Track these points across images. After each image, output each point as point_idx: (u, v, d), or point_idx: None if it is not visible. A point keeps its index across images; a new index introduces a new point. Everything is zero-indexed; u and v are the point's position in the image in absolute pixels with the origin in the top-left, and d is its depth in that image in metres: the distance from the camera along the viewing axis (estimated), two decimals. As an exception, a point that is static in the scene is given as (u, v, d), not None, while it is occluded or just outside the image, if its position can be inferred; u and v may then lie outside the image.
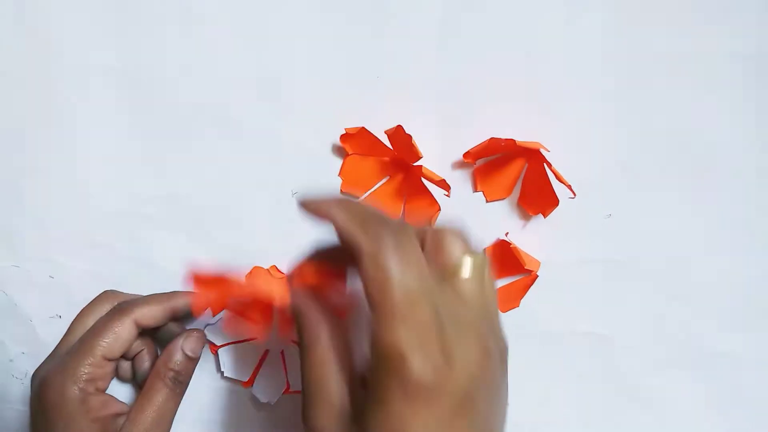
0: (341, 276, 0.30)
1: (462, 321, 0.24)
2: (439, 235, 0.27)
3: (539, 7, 0.38)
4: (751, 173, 0.39)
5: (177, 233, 0.41)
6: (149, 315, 0.36)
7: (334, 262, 0.29)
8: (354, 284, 0.30)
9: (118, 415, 0.35)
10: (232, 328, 0.40)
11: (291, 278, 0.30)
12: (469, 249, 0.26)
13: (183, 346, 0.36)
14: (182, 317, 0.39)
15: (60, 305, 0.42)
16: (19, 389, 0.43)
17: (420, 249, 0.25)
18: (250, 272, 0.41)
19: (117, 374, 0.39)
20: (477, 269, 0.26)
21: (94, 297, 0.39)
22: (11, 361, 0.43)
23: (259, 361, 0.41)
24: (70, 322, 0.38)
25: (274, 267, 0.41)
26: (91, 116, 0.40)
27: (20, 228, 0.41)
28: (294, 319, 0.28)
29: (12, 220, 0.41)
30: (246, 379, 0.41)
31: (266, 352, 0.41)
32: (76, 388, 0.34)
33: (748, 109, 0.38)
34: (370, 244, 0.24)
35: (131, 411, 0.35)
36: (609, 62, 0.38)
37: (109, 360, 0.35)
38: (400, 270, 0.23)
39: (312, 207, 0.27)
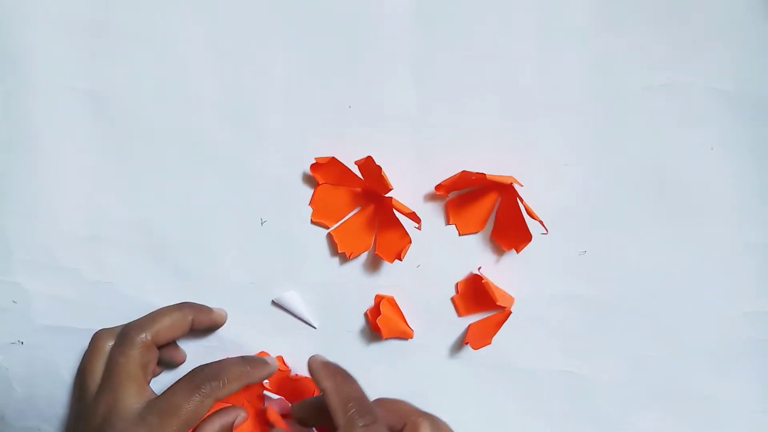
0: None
1: None
2: (418, 422, 0.33)
3: (513, 42, 0.37)
4: (726, 209, 0.38)
5: (144, 259, 0.40)
6: (226, 393, 0.36)
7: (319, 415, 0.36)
8: None
9: None
10: None
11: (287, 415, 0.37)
12: None
13: (236, 421, 0.38)
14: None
15: (22, 331, 0.41)
16: (-23, 417, 0.42)
17: None
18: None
19: None
20: None
21: (89, 342, 0.38)
22: (-30, 388, 0.42)
23: None
24: (78, 375, 0.38)
25: (281, 358, 0.41)
26: (58, 139, 0.39)
27: (-16, 251, 0.41)
28: None
29: (-24, 242, 0.41)
30: None
31: None
32: None
33: (724, 145, 0.38)
34: (346, 423, 0.32)
35: None
36: (583, 98, 0.38)
37: None
38: None
39: (312, 374, 0.34)
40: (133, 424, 0.34)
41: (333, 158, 0.37)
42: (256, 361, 0.37)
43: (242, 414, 0.39)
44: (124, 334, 0.37)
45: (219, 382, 0.35)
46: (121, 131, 0.39)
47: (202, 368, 0.36)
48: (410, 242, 0.37)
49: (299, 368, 0.41)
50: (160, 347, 0.38)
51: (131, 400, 0.35)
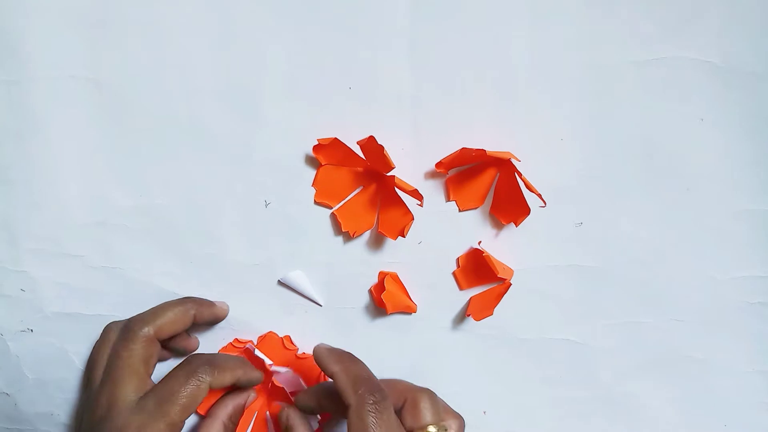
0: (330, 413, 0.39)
1: None
2: (417, 397, 0.35)
3: (507, 19, 0.38)
4: (719, 181, 0.40)
5: (150, 244, 0.41)
6: (220, 381, 0.36)
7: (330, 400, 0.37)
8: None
9: None
10: None
11: (296, 399, 0.38)
12: (438, 415, 0.35)
13: (246, 401, 0.39)
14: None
15: (31, 319, 0.42)
16: (-10, 404, 0.43)
17: (393, 412, 0.33)
18: (264, 336, 0.41)
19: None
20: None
21: (101, 334, 0.39)
22: (-19, 376, 0.42)
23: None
24: (86, 366, 0.39)
25: (288, 338, 0.41)
26: (63, 127, 0.40)
27: (-10, 241, 0.41)
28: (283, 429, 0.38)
29: (-18, 232, 0.41)
30: None
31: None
32: None
33: (716, 117, 0.39)
34: (357, 402, 0.32)
35: None
36: (578, 72, 0.39)
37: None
38: (375, 426, 0.32)
39: (320, 361, 0.35)
40: (131, 413, 0.34)
41: (335, 139, 0.38)
42: (250, 365, 0.39)
43: (252, 394, 0.40)
44: (128, 328, 0.37)
45: (215, 369, 0.36)
46: (124, 118, 0.40)
47: (199, 355, 0.37)
48: (413, 219, 0.38)
49: (306, 346, 0.42)
50: (168, 338, 0.39)
51: (132, 394, 0.35)
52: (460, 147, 0.38)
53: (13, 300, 0.42)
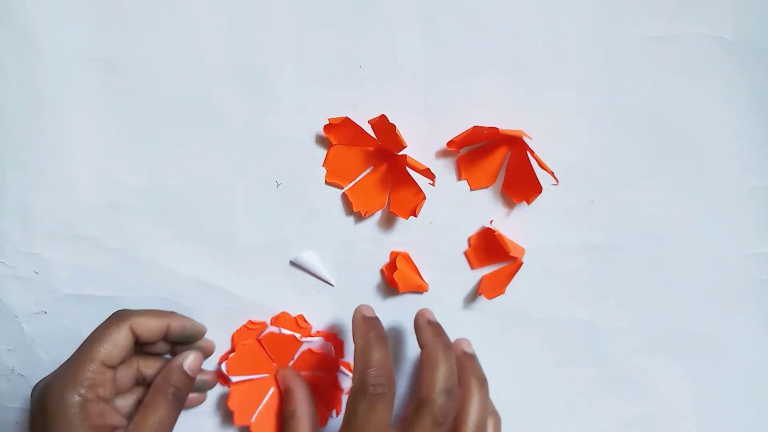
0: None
1: None
2: (468, 382, 0.36)
3: (520, -5, 0.38)
4: (732, 158, 0.39)
5: (163, 226, 0.41)
6: (145, 325, 0.37)
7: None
8: None
9: (115, 427, 0.35)
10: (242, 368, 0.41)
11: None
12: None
13: (183, 363, 0.38)
14: (174, 340, 0.39)
15: (45, 301, 0.42)
16: (6, 386, 0.43)
17: (390, 410, 0.33)
18: (277, 317, 0.41)
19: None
20: None
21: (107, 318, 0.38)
22: (-3, 357, 0.43)
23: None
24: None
25: (302, 317, 0.41)
26: (75, 109, 0.40)
27: (4, 222, 0.41)
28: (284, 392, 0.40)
29: (-5, 215, 0.41)
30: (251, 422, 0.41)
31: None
32: (76, 394, 0.34)
33: (729, 93, 0.39)
34: (359, 385, 0.33)
35: (132, 422, 0.35)
36: (590, 49, 0.39)
37: (109, 367, 0.35)
38: (364, 415, 0.32)
39: (352, 326, 0.37)
40: (68, 360, 0.36)
41: (346, 118, 0.38)
42: (184, 317, 0.40)
43: (198, 354, 0.39)
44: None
45: (134, 312, 0.37)
46: (136, 99, 0.40)
47: None
48: (424, 198, 0.38)
49: (318, 327, 0.42)
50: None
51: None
52: (472, 125, 0.38)
53: (27, 282, 0.42)
